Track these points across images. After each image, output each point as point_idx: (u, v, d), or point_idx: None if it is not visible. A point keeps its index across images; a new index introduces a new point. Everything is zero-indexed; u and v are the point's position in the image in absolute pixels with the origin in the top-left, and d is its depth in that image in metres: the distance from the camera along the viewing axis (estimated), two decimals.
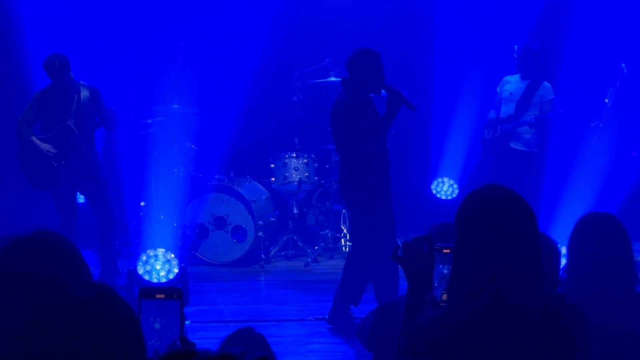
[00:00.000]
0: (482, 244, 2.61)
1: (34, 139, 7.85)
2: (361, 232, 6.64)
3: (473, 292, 2.60)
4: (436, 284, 2.88)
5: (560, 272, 3.57)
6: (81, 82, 7.96)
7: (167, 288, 2.33)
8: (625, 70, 9.39)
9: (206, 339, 6.45)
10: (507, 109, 9.04)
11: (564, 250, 3.79)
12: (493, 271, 2.58)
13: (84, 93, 7.89)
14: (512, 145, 8.98)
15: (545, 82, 9.03)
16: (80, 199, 8.42)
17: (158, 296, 2.30)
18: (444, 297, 2.88)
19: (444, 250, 2.91)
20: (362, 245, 6.63)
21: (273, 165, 9.49)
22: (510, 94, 9.04)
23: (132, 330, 1.91)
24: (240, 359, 0.98)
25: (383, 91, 6.67)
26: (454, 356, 2.56)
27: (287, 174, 9.42)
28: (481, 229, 2.63)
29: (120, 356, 1.85)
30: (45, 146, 7.82)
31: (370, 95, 6.65)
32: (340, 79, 9.46)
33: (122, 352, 1.86)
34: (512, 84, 9.08)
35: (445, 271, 2.90)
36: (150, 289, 2.33)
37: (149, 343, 2.23)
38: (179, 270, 7.52)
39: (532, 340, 2.57)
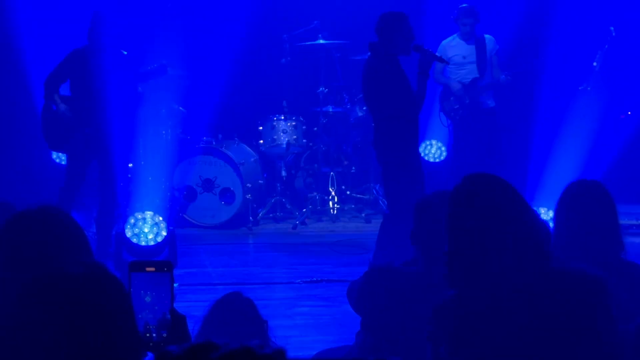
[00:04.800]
0: (472, 234, 2.62)
1: (56, 96, 7.55)
2: (398, 195, 6.65)
3: (472, 273, 2.61)
4: None
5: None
6: (124, 51, 7.65)
7: (157, 261, 2.36)
8: (613, 34, 9.38)
9: (194, 301, 6.45)
10: (466, 72, 9.10)
11: (551, 214, 3.79)
12: (488, 254, 2.59)
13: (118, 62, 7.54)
14: (482, 105, 9.11)
15: (486, 35, 9.14)
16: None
17: (148, 269, 2.32)
18: None
19: None
20: (399, 207, 6.63)
21: (261, 128, 9.49)
22: (464, 57, 9.07)
23: (122, 307, 1.93)
24: (259, 352, 1.01)
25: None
26: (474, 334, 2.59)
27: (275, 137, 9.41)
28: (470, 221, 2.63)
29: (110, 331, 1.88)
30: (62, 106, 7.52)
31: (398, 57, 6.69)
32: (330, 41, 9.53)
33: (112, 327, 1.88)
34: (457, 47, 9.09)
35: None
36: (140, 262, 2.35)
37: (140, 316, 2.25)
38: (167, 233, 7.52)
39: (550, 314, 2.57)
